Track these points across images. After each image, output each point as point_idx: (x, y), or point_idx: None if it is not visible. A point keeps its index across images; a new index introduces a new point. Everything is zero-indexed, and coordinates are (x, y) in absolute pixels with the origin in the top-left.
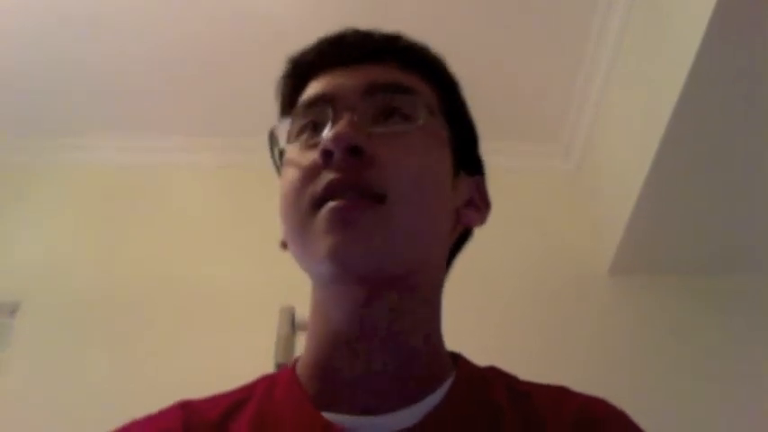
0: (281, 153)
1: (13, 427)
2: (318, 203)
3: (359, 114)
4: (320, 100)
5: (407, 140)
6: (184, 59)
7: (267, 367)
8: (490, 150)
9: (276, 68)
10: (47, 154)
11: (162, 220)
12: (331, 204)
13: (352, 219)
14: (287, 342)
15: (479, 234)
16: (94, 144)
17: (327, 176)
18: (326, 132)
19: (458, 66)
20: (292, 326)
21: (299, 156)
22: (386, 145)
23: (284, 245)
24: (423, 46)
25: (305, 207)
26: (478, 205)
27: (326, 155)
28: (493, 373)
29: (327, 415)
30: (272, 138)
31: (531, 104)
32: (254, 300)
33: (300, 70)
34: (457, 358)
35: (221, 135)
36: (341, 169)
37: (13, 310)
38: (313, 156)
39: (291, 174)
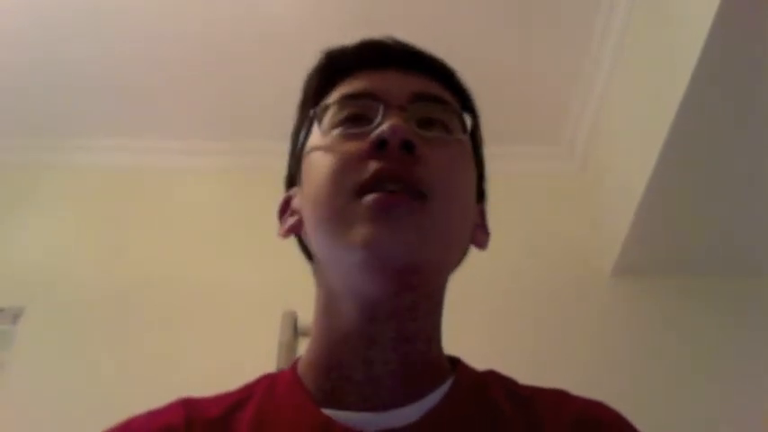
0: (303, 144)
1: None
2: (363, 191)
3: (407, 115)
4: (367, 95)
5: (449, 149)
6: (188, 61)
7: (269, 371)
8: (492, 151)
9: (279, 71)
10: (49, 155)
11: (165, 223)
12: (377, 194)
13: (397, 212)
14: (289, 348)
15: None
16: (97, 146)
17: (375, 165)
18: (382, 124)
19: (460, 67)
20: (294, 331)
21: (339, 144)
22: (432, 148)
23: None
24: (456, 71)
25: (347, 193)
26: (484, 230)
27: (380, 145)
28: (492, 377)
29: (328, 411)
30: (310, 122)
31: (534, 106)
32: (256, 303)
33: (339, 65)
34: (455, 362)
35: (225, 137)
36: (392, 161)
37: (16, 315)
38: (355, 146)
39: (330, 160)
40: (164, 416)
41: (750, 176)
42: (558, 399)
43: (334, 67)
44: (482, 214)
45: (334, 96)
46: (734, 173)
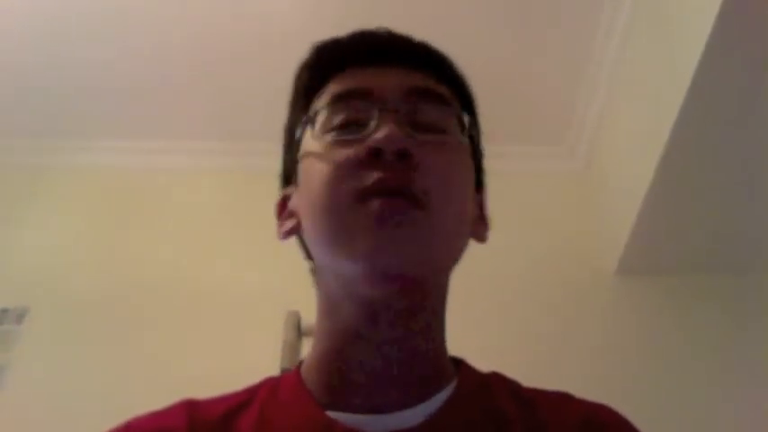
0: (297, 145)
1: None
2: (364, 198)
3: (401, 117)
4: (357, 94)
5: (446, 151)
6: (188, 62)
7: (272, 372)
8: (495, 152)
9: (280, 71)
10: (52, 157)
11: (168, 224)
12: (380, 202)
13: (399, 220)
14: (293, 348)
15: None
16: (99, 147)
17: (375, 174)
18: (377, 131)
19: (463, 68)
20: (298, 331)
21: (334, 150)
22: (428, 153)
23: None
24: (453, 60)
25: (346, 200)
26: (484, 220)
27: (375, 153)
28: (496, 379)
29: (332, 413)
30: (304, 125)
31: (537, 106)
32: (259, 303)
33: (330, 60)
34: (459, 363)
35: (227, 137)
36: (388, 169)
37: (21, 315)
38: (351, 152)
39: (326, 167)
40: (166, 417)
41: (754, 175)
42: (561, 401)
43: (326, 62)
44: (480, 205)
45: (325, 97)
46: (737, 172)
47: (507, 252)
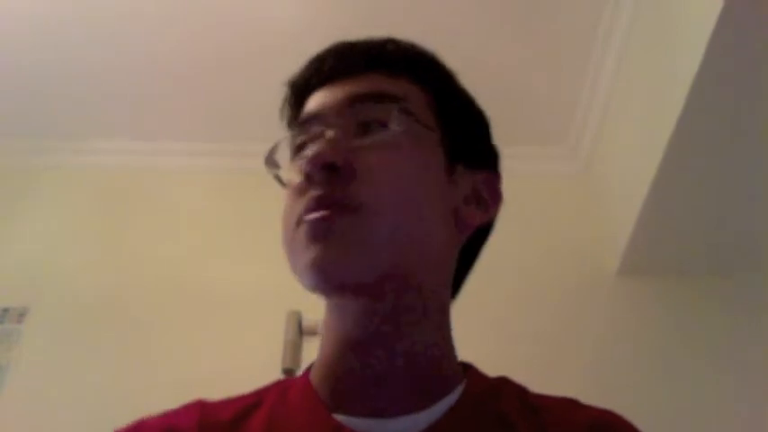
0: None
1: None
2: (300, 220)
3: (341, 129)
4: (308, 120)
5: (384, 148)
6: (187, 64)
7: (274, 371)
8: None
9: (276, 73)
10: (52, 157)
11: (168, 224)
12: (307, 217)
13: (328, 229)
14: (294, 347)
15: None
16: (100, 147)
17: (309, 195)
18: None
19: (463, 69)
20: (299, 331)
21: (293, 177)
22: (365, 156)
23: None
24: (409, 47)
25: (291, 225)
26: (484, 201)
27: (307, 175)
28: (503, 384)
29: (339, 417)
30: (271, 162)
31: (538, 107)
32: (260, 303)
33: (295, 93)
34: (467, 368)
35: (229, 139)
36: (321, 186)
37: (21, 314)
38: (298, 178)
39: (286, 195)
40: (177, 417)
41: (754, 177)
42: (568, 408)
43: (293, 96)
44: (483, 181)
45: (291, 127)
46: (738, 173)
47: (508, 253)
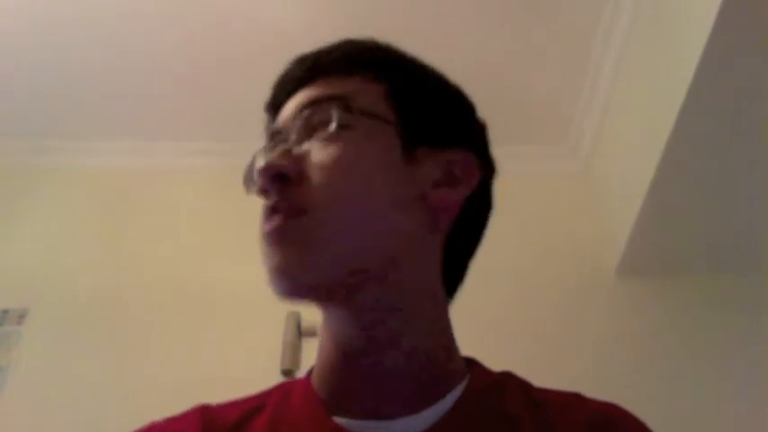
0: None
1: None
2: (263, 236)
3: (294, 137)
4: (274, 133)
5: (325, 147)
6: (186, 65)
7: (273, 372)
8: (497, 152)
9: (273, 73)
10: (52, 158)
11: (168, 225)
12: (263, 229)
13: (281, 236)
14: (293, 348)
15: (487, 234)
16: (100, 148)
17: (264, 206)
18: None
19: (464, 69)
20: (298, 332)
21: None
22: (310, 158)
23: None
24: (363, 44)
25: (261, 240)
26: (457, 179)
27: (259, 188)
28: (507, 379)
29: (339, 420)
30: (250, 180)
31: (538, 107)
32: (259, 304)
33: (268, 113)
34: (471, 363)
35: (228, 139)
36: (275, 196)
37: (21, 316)
38: None
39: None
40: (181, 422)
41: (754, 175)
42: (572, 402)
43: (269, 113)
44: (452, 160)
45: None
46: (737, 172)
47: (508, 252)
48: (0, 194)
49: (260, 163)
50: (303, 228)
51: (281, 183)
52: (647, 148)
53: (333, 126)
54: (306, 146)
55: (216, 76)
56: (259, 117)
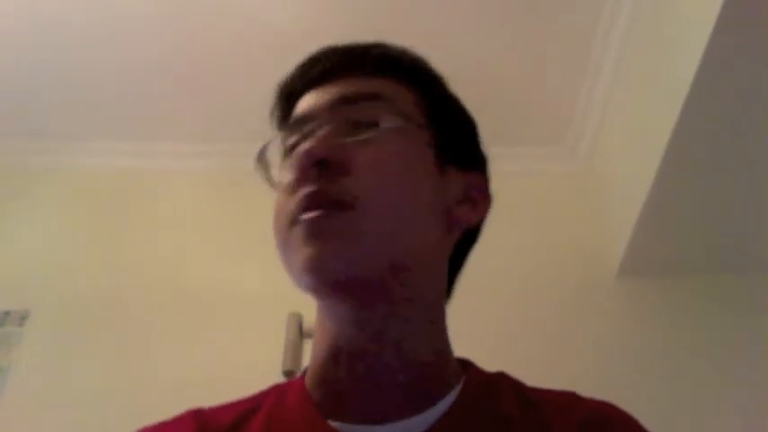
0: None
1: None
2: (295, 219)
3: (331, 128)
4: (299, 121)
5: (375, 146)
6: (185, 66)
7: (274, 373)
8: (496, 153)
9: (272, 74)
10: (52, 158)
11: (169, 225)
12: (302, 217)
13: (323, 229)
14: (295, 349)
15: (487, 235)
16: (100, 148)
17: (302, 191)
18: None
19: (463, 69)
20: (300, 332)
21: (284, 177)
22: (356, 153)
23: None
24: (398, 50)
25: (285, 224)
26: (475, 201)
27: (299, 171)
28: (502, 380)
29: (335, 424)
30: (262, 161)
31: (538, 107)
32: (260, 305)
33: (285, 97)
34: (466, 365)
35: (228, 139)
36: (313, 182)
37: (23, 317)
38: (289, 177)
39: (278, 195)
40: (173, 427)
41: (753, 176)
42: (567, 401)
43: (282, 99)
44: (473, 182)
45: (282, 128)
46: (739, 172)
47: (508, 253)
48: (0, 195)
49: (305, 146)
50: (350, 222)
51: (322, 170)
52: (648, 148)
53: (385, 127)
54: (350, 139)
55: (216, 76)
56: (259, 118)
